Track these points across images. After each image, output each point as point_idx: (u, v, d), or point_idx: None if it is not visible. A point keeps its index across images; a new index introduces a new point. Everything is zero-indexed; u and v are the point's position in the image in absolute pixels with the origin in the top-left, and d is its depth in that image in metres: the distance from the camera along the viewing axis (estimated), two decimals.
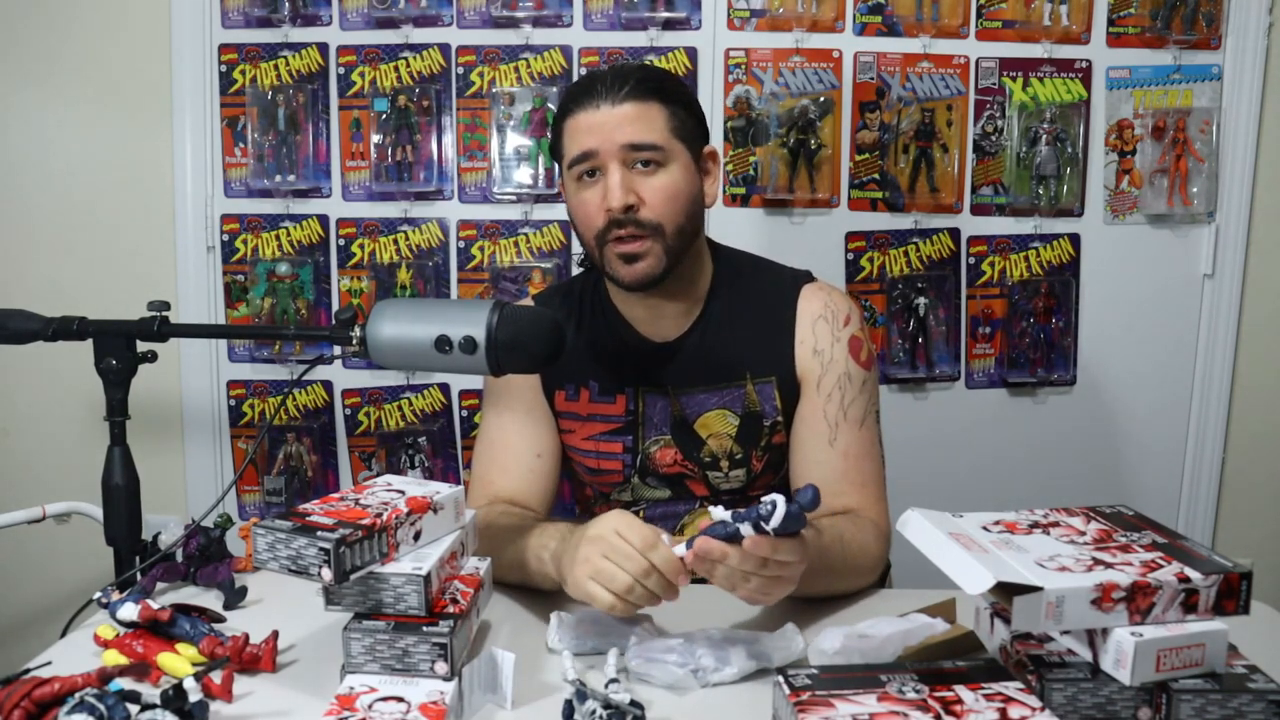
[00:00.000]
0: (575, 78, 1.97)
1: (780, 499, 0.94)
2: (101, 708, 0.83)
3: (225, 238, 2.03)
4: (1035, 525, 0.96)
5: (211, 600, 1.19)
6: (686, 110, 1.29)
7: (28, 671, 0.98)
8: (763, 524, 0.94)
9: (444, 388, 2.07)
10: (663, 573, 0.99)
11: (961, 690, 0.86)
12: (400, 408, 2.07)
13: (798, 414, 1.33)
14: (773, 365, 1.33)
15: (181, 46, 1.99)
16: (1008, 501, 1.15)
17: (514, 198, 2.01)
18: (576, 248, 1.98)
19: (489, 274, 2.02)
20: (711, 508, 0.99)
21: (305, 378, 2.07)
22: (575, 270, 1.50)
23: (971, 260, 2.03)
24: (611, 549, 1.00)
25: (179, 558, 1.23)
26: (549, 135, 1.96)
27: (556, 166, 1.35)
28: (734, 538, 0.95)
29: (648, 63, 1.92)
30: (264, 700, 0.97)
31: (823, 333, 1.33)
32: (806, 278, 1.39)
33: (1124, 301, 2.04)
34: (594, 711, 0.86)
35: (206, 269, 2.05)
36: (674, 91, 1.29)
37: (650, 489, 1.38)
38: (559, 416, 1.39)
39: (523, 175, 2.00)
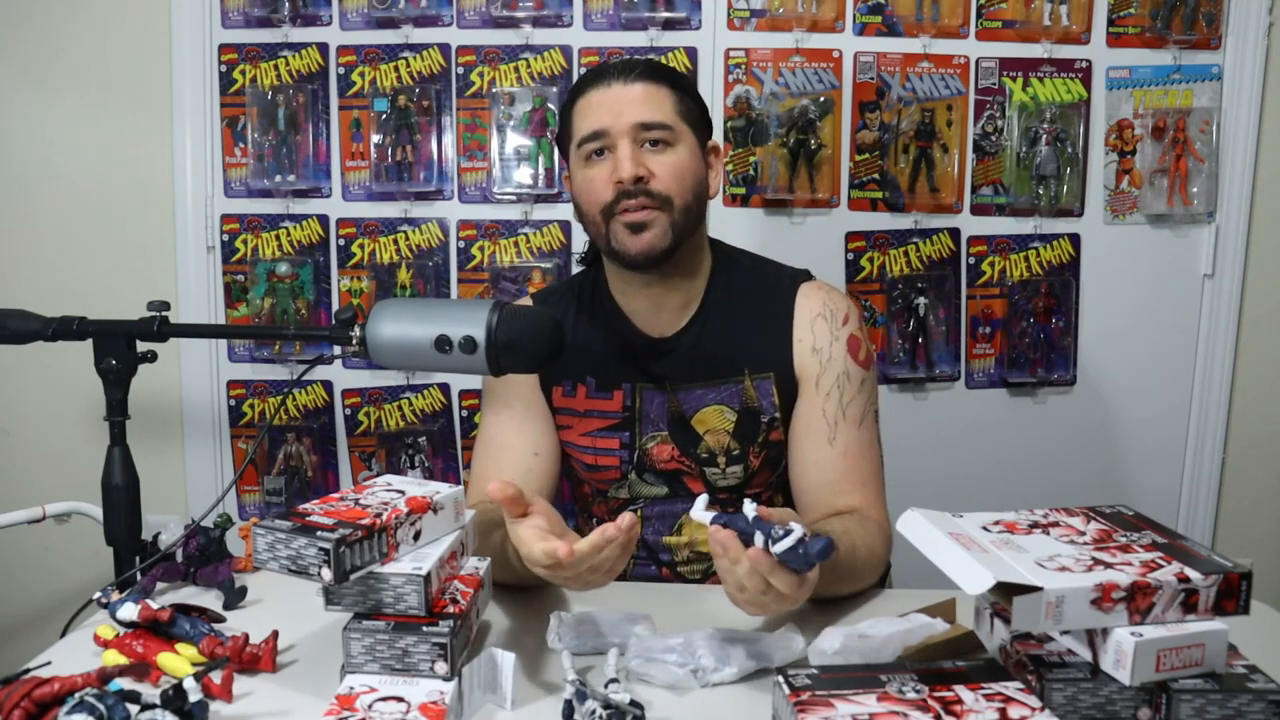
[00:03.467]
0: (575, 78, 1.97)
1: (798, 529, 0.91)
2: (101, 708, 0.83)
3: (225, 238, 2.03)
4: (1035, 525, 0.96)
5: (211, 600, 1.19)
6: (693, 100, 1.33)
7: (28, 671, 0.98)
8: (770, 543, 0.91)
9: (444, 388, 2.07)
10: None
11: (961, 690, 0.86)
12: (400, 408, 2.07)
13: (796, 412, 1.33)
14: (771, 362, 1.33)
15: (181, 46, 1.99)
16: (1008, 501, 1.15)
17: (514, 198, 2.01)
18: (576, 246, 1.98)
19: (489, 274, 2.02)
20: (700, 497, 0.98)
21: (305, 378, 2.07)
22: (575, 269, 1.51)
23: (971, 260, 2.03)
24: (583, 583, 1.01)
25: (179, 558, 1.23)
26: (556, 127, 1.97)
27: (560, 159, 1.38)
28: (749, 539, 0.93)
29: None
30: (264, 700, 0.97)
31: (821, 331, 1.33)
32: (805, 276, 1.40)
33: (1124, 301, 2.04)
34: (594, 711, 0.86)
35: (206, 269, 2.05)
36: (681, 81, 1.33)
37: (647, 485, 1.39)
38: (556, 412, 1.40)
39: (523, 175, 2.00)
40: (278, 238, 2.03)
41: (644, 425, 1.37)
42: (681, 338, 1.35)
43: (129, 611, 1.03)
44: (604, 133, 1.27)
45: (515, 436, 1.38)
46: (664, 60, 1.94)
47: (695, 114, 1.32)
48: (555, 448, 1.40)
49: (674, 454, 1.36)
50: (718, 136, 1.93)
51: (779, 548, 0.90)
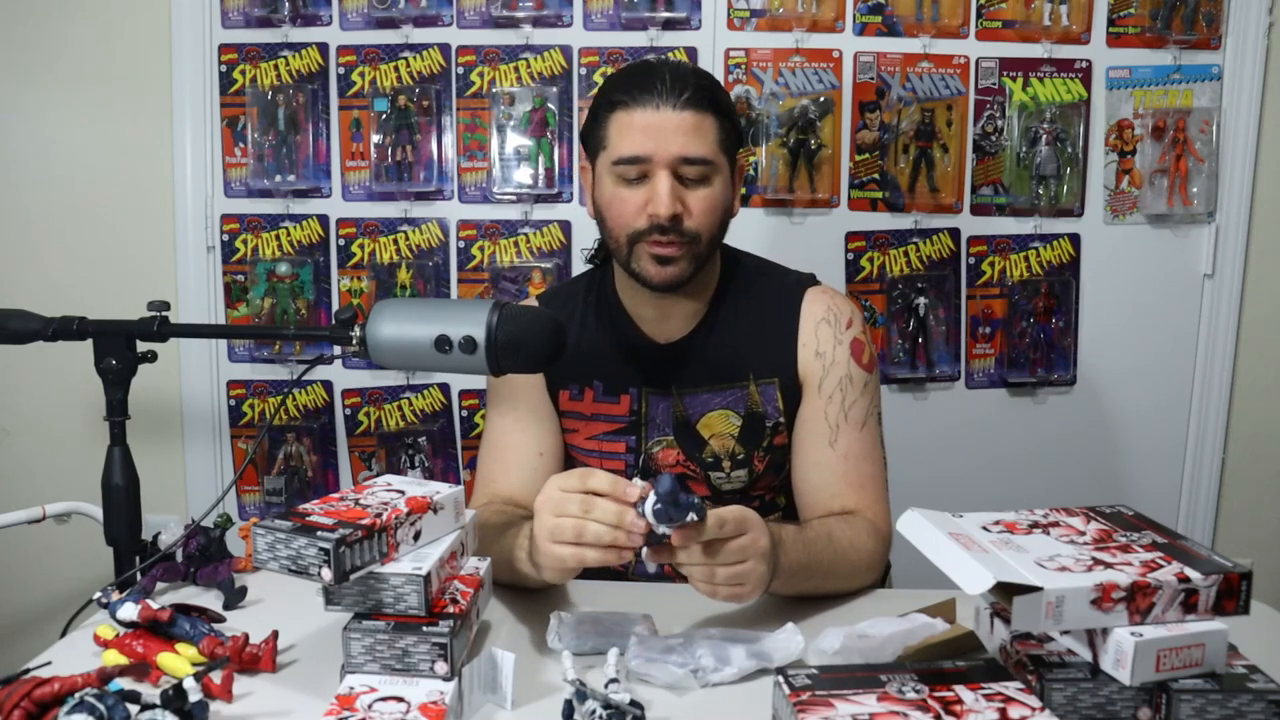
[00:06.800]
0: (575, 78, 1.98)
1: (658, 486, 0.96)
2: (101, 708, 0.83)
3: (225, 238, 2.03)
4: (1035, 525, 0.96)
5: (211, 600, 1.19)
6: (731, 121, 1.28)
7: (28, 671, 0.98)
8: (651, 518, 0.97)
9: (444, 388, 2.07)
10: (606, 494, 0.99)
11: (961, 690, 0.86)
12: (400, 408, 2.07)
13: (799, 415, 1.34)
14: (776, 367, 1.34)
15: (181, 46, 1.99)
16: (1008, 501, 1.15)
17: (514, 198, 2.01)
18: (580, 245, 1.98)
19: (489, 274, 2.02)
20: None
21: (305, 378, 2.07)
22: (581, 267, 1.50)
23: (971, 260, 2.03)
24: (557, 505, 1.01)
25: (179, 558, 1.23)
26: (555, 125, 1.97)
27: (583, 157, 1.33)
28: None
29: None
30: (264, 700, 0.97)
31: (825, 335, 1.33)
32: (811, 281, 1.40)
33: (1124, 301, 2.04)
34: (594, 711, 0.86)
35: (206, 269, 2.05)
36: (725, 102, 1.28)
37: None
38: (563, 416, 1.40)
39: (523, 175, 2.00)
40: (278, 238, 2.03)
41: (650, 429, 1.37)
42: (688, 343, 1.35)
43: (129, 611, 1.03)
44: (645, 159, 1.22)
45: (520, 437, 1.38)
46: (671, 57, 1.94)
47: (733, 138, 1.28)
48: (559, 449, 1.40)
49: (679, 458, 1.36)
50: None
51: (649, 517, 0.97)
